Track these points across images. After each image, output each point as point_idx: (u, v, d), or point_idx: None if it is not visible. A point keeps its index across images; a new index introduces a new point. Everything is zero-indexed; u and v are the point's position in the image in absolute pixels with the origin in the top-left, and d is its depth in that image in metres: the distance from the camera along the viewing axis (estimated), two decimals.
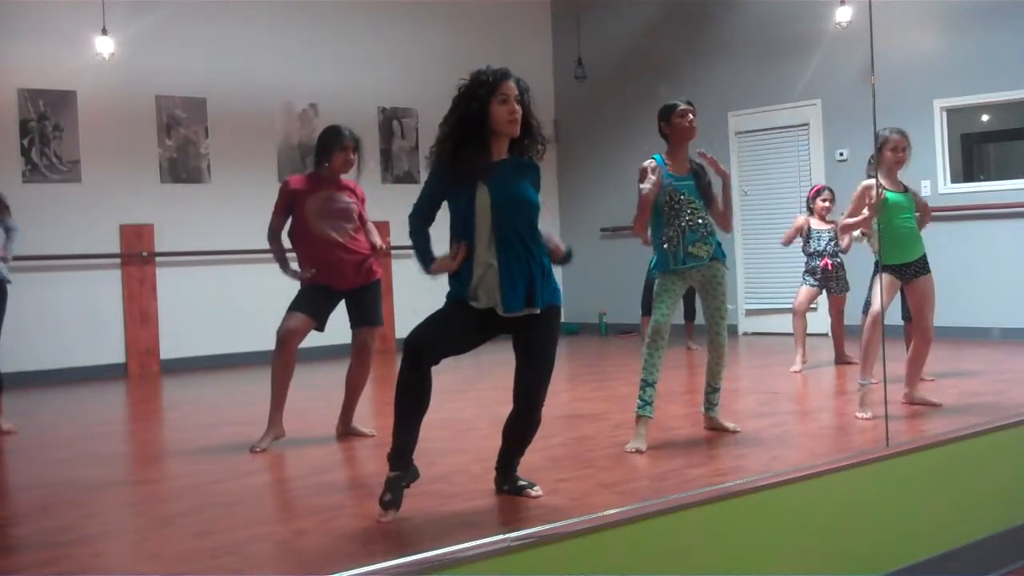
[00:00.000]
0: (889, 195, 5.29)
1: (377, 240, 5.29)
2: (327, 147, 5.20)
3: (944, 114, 8.98)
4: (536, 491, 3.83)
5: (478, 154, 3.60)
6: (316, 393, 7.07)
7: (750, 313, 10.37)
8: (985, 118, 9.55)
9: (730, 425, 5.04)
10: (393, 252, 10.44)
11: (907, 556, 3.98)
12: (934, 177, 8.99)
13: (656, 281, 4.93)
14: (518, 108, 3.60)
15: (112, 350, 8.96)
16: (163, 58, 9.21)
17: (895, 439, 4.45)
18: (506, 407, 4.90)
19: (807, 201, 7.69)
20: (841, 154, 9.60)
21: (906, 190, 5.42)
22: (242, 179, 9.56)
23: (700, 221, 4.83)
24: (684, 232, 4.79)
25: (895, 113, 8.92)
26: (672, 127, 4.88)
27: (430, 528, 3.49)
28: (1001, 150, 10.10)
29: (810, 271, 7.38)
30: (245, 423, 5.69)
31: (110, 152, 8.99)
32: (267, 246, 5.30)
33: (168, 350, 9.21)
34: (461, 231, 3.65)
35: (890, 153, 5.34)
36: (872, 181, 5.36)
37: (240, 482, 4.58)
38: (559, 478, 4.07)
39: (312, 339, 5.36)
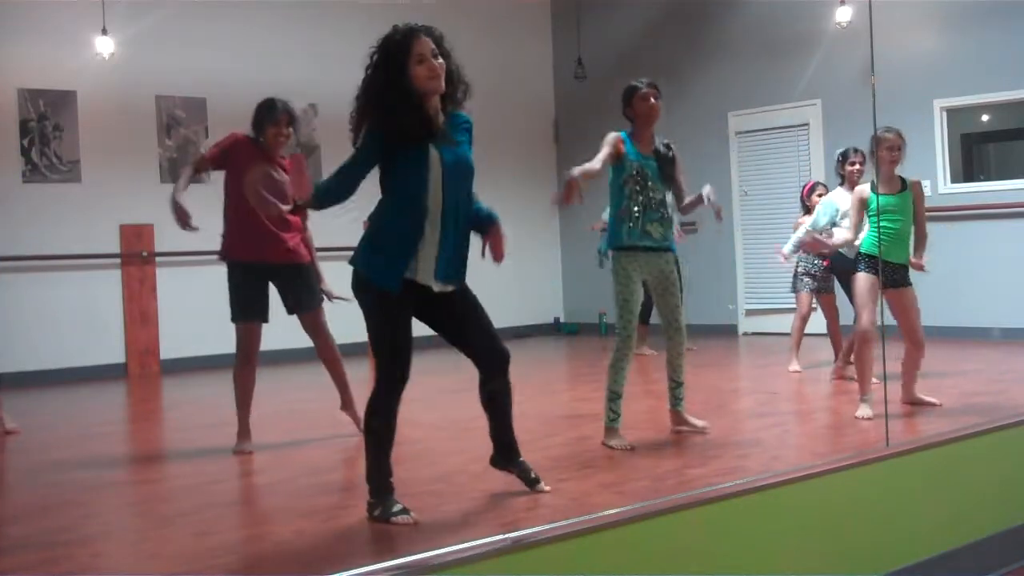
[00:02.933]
0: (878, 198, 5.27)
1: (314, 255, 5.19)
2: (259, 122, 5.02)
3: (944, 114, 8.99)
4: (544, 486, 3.82)
5: (417, 115, 3.42)
6: (316, 393, 7.07)
7: (750, 313, 10.37)
8: (985, 118, 9.55)
9: (699, 423, 4.97)
10: None
11: (907, 556, 3.97)
12: (934, 177, 8.98)
13: (613, 267, 4.82)
14: (436, 64, 3.46)
15: (112, 350, 8.96)
16: (163, 58, 9.22)
17: (895, 439, 4.45)
18: None
19: (801, 200, 7.57)
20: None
21: (904, 189, 5.36)
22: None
23: (659, 201, 4.86)
24: (644, 209, 4.81)
25: (895, 113, 8.91)
26: (635, 109, 4.93)
27: (430, 528, 3.49)
28: (1001, 150, 10.10)
29: (808, 273, 7.23)
30: None
31: (110, 152, 8.99)
32: None
33: (168, 350, 9.21)
34: (409, 194, 3.44)
35: (885, 152, 5.34)
36: (866, 188, 5.37)
37: (240, 482, 4.58)
38: (559, 478, 4.07)
39: (309, 339, 5.34)
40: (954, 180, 9.02)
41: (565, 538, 3.11)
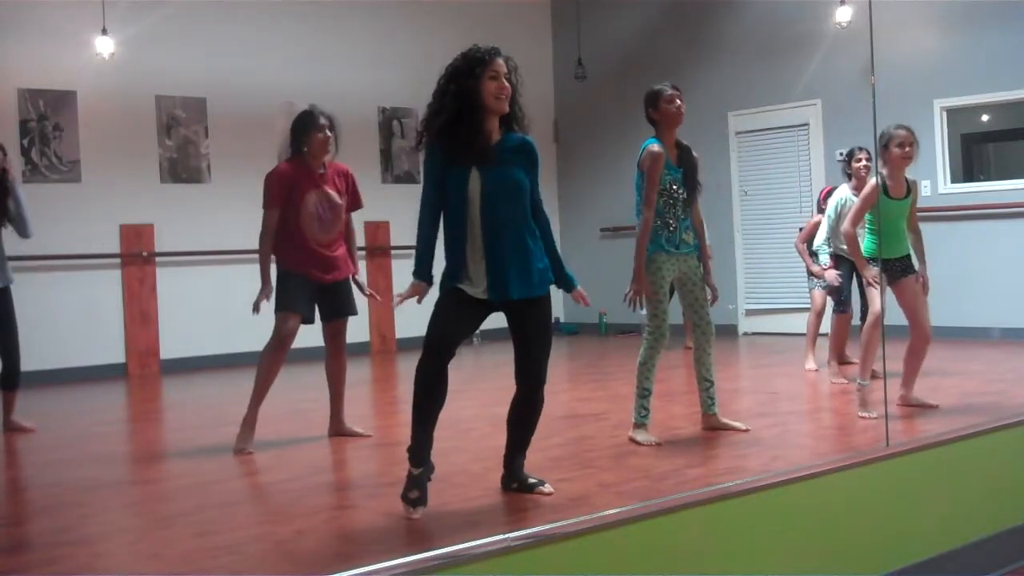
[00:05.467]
0: (886, 201, 5.18)
1: (356, 266, 5.34)
2: (303, 130, 5.11)
3: (944, 114, 8.98)
4: (548, 488, 3.84)
5: (475, 134, 3.64)
6: (316, 393, 7.07)
7: (750, 313, 10.37)
8: (985, 118, 9.55)
9: (739, 424, 4.98)
10: (393, 252, 10.46)
11: (907, 556, 3.98)
12: (934, 177, 8.98)
13: (651, 267, 4.78)
14: (507, 85, 3.66)
15: (112, 350, 8.96)
16: (163, 58, 9.22)
17: (895, 439, 4.45)
18: (506, 407, 4.90)
19: (818, 203, 7.49)
20: (841, 154, 9.55)
21: (910, 192, 5.28)
22: (242, 179, 9.52)
23: (687, 205, 4.89)
24: (679, 219, 4.85)
25: (895, 113, 8.90)
26: (661, 113, 4.90)
27: (430, 528, 3.49)
28: (1001, 150, 10.10)
29: (819, 275, 7.15)
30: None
31: (110, 152, 8.99)
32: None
33: (168, 350, 9.21)
34: (453, 215, 3.68)
35: (897, 149, 5.20)
36: (875, 181, 5.26)
37: (240, 482, 4.58)
38: (559, 478, 4.07)
39: (314, 340, 5.34)
40: (954, 180, 9.01)
41: (565, 538, 3.12)
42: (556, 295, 13.56)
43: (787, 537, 3.66)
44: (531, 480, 3.89)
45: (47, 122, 8.74)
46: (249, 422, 5.07)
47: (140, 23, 8.92)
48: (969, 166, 9.54)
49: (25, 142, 8.62)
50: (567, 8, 11.59)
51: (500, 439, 4.01)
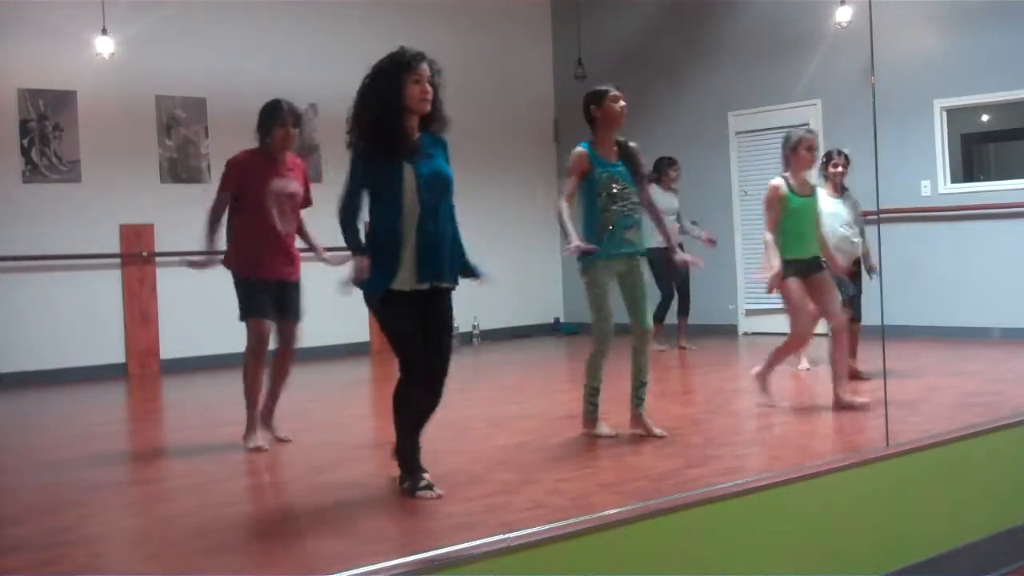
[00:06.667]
0: (792, 199, 5.48)
1: (318, 243, 5.33)
2: (267, 124, 5.13)
3: (944, 114, 8.98)
4: (436, 492, 3.87)
5: (401, 132, 3.83)
6: (316, 393, 7.08)
7: (750, 313, 10.37)
8: (985, 118, 9.55)
9: (657, 431, 4.90)
10: None
11: (907, 556, 3.98)
12: (934, 177, 8.99)
13: (586, 276, 4.87)
14: (429, 88, 3.86)
15: (112, 350, 8.95)
16: (163, 58, 9.21)
17: (895, 439, 4.45)
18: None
19: None
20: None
21: (812, 192, 5.61)
22: None
23: (632, 205, 4.87)
24: (619, 217, 4.82)
25: (895, 113, 8.94)
26: (605, 112, 4.90)
27: (430, 528, 3.49)
28: (1001, 150, 10.11)
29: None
30: (244, 423, 5.68)
31: (110, 152, 8.98)
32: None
33: (168, 350, 9.20)
34: (388, 207, 3.85)
35: (805, 152, 5.51)
36: (778, 181, 5.54)
37: (240, 482, 4.58)
38: (559, 478, 4.07)
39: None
40: (954, 180, 9.01)
41: (565, 538, 3.12)
42: (556, 297, 13.39)
43: (787, 537, 3.66)
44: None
45: (47, 122, 8.73)
46: (252, 424, 5.10)
47: (140, 23, 8.91)
48: (969, 166, 9.54)
49: (25, 142, 8.62)
50: (567, 8, 11.58)
51: (500, 439, 4.01)
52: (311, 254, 5.34)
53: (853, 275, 6.57)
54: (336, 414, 6.36)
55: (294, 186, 5.19)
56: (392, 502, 3.85)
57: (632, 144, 4.99)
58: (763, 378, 5.71)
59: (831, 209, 6.48)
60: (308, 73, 9.86)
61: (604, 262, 4.82)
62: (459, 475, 4.24)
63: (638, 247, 4.92)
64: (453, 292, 4.02)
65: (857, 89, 9.06)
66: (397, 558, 2.92)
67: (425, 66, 3.85)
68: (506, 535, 3.07)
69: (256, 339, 5.12)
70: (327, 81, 9.97)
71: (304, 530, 3.53)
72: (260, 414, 5.23)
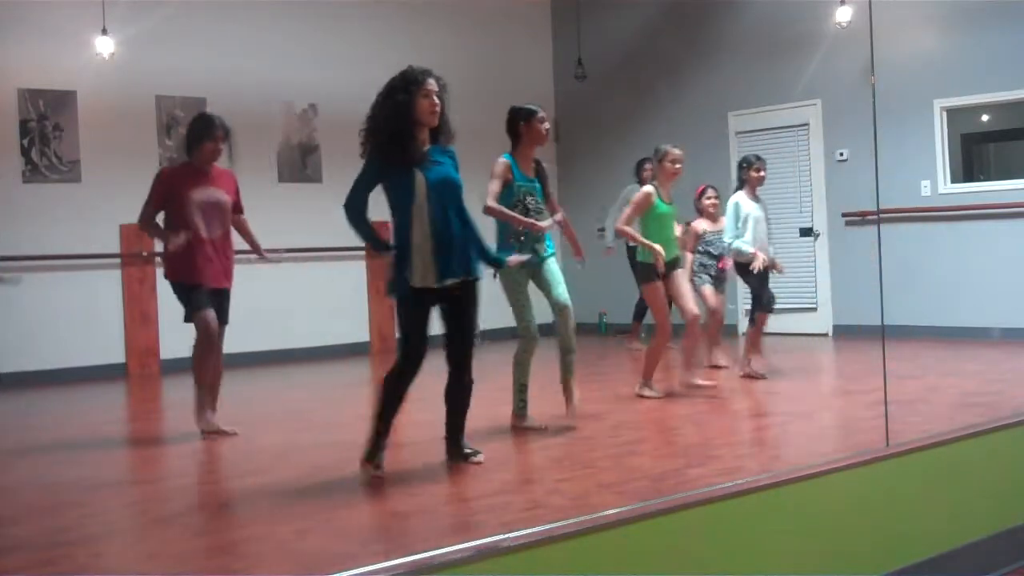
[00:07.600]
0: (660, 205, 5.98)
1: (257, 243, 5.61)
2: (197, 137, 5.35)
3: (944, 114, 8.98)
4: (479, 458, 4.33)
5: (411, 142, 4.19)
6: (314, 394, 7.08)
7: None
8: (985, 118, 9.55)
9: (538, 424, 5.27)
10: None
11: (907, 556, 3.98)
12: (934, 177, 8.99)
13: (503, 280, 5.22)
14: (438, 102, 4.23)
15: (112, 350, 8.95)
16: (163, 58, 9.21)
17: (895, 439, 4.45)
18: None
19: (694, 202, 7.56)
20: (841, 154, 9.60)
21: (672, 202, 6.12)
22: (242, 179, 9.46)
23: (541, 219, 5.25)
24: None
25: (895, 113, 8.94)
26: (531, 130, 5.21)
27: (430, 528, 3.49)
28: (1001, 150, 10.11)
29: (705, 270, 7.35)
30: (245, 423, 5.69)
31: (110, 152, 8.98)
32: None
33: (168, 350, 9.19)
34: (402, 211, 4.21)
35: (670, 165, 6.05)
36: (651, 189, 6.03)
37: (239, 482, 4.58)
38: (559, 478, 4.07)
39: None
40: (954, 180, 9.01)
41: (565, 538, 3.12)
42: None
43: (787, 537, 3.66)
44: (466, 450, 4.39)
45: (47, 122, 8.74)
46: (201, 405, 5.39)
47: (140, 23, 8.91)
48: (969, 166, 9.54)
49: (25, 142, 8.62)
50: (567, 8, 11.59)
51: (500, 439, 4.01)
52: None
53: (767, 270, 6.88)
54: (336, 414, 6.36)
55: (219, 194, 5.33)
56: (392, 502, 3.85)
57: (544, 164, 5.42)
58: (688, 383, 6.17)
59: (755, 213, 6.84)
60: (308, 73, 9.87)
61: (516, 269, 5.15)
62: (459, 475, 4.25)
63: (546, 255, 5.31)
64: (478, 284, 4.39)
65: (857, 89, 9.07)
66: (397, 558, 2.92)
67: (432, 81, 4.22)
68: (506, 535, 3.07)
69: (203, 334, 5.37)
70: (327, 81, 9.98)
71: (304, 530, 3.53)
72: (201, 408, 5.46)
